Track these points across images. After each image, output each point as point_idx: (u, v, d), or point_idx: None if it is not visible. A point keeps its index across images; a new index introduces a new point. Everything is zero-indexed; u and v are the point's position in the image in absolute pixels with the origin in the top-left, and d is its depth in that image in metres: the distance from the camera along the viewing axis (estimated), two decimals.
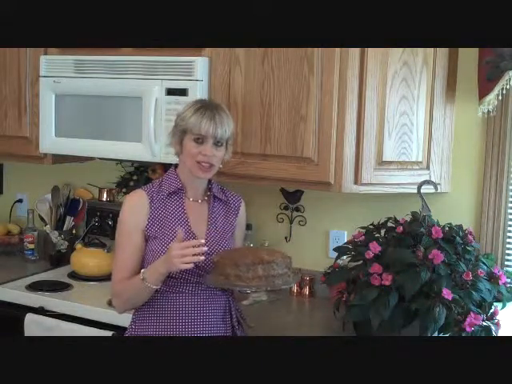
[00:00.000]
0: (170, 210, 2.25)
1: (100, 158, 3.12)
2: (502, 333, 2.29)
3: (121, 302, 2.26)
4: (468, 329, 2.15)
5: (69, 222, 3.46)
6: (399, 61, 2.55)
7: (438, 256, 2.21)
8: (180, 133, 2.22)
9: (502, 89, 2.46)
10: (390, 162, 2.59)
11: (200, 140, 2.18)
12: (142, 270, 2.16)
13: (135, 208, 2.24)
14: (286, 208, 3.07)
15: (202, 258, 2.07)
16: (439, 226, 2.35)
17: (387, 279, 2.20)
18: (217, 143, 2.20)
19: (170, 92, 2.69)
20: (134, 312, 2.30)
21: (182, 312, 2.21)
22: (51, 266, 3.31)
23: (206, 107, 2.21)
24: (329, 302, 2.58)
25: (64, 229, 3.44)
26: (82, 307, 2.76)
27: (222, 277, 2.06)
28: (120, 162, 3.20)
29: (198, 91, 2.65)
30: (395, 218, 2.47)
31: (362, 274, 2.28)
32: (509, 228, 2.70)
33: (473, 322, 2.15)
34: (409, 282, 2.18)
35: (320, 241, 3.02)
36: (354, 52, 2.48)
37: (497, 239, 2.68)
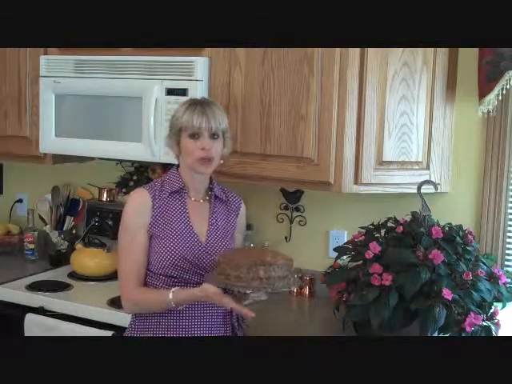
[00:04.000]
0: (171, 209, 2.25)
1: (100, 158, 3.12)
2: (502, 333, 2.29)
3: (137, 309, 2.25)
4: (468, 329, 2.15)
5: (69, 222, 3.47)
6: (399, 61, 2.55)
7: (437, 256, 2.20)
8: (175, 133, 2.23)
9: (502, 89, 2.46)
10: (390, 162, 2.59)
11: (196, 135, 2.19)
12: (173, 290, 2.13)
13: (139, 207, 2.23)
14: (286, 208, 3.07)
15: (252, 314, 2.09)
16: (439, 226, 2.35)
17: (387, 279, 2.20)
18: (213, 136, 2.20)
19: (170, 92, 2.69)
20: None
21: (183, 312, 2.21)
22: (51, 266, 3.30)
23: (196, 103, 2.22)
24: (329, 302, 2.58)
25: (64, 229, 3.44)
26: (82, 307, 2.76)
27: (222, 276, 2.06)
28: (120, 161, 3.20)
29: (198, 91, 2.65)
30: (395, 218, 2.47)
31: (362, 273, 2.28)
32: (509, 228, 2.70)
33: (473, 322, 2.15)
34: (409, 282, 2.18)
35: (320, 241, 3.02)
36: (354, 52, 2.48)
37: (497, 239, 2.68)
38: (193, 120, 2.18)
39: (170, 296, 2.13)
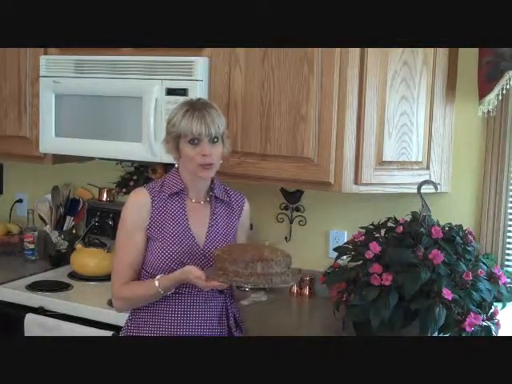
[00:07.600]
0: (170, 211, 2.24)
1: (100, 158, 3.12)
2: (502, 333, 2.29)
3: (127, 304, 2.27)
4: (468, 329, 2.15)
5: (69, 222, 3.47)
6: (399, 61, 2.55)
7: (437, 256, 2.21)
8: (174, 139, 2.22)
9: (502, 89, 2.46)
10: (390, 162, 2.59)
11: (196, 141, 2.18)
12: (157, 278, 2.16)
13: (137, 207, 2.23)
14: (286, 208, 3.07)
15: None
16: (439, 226, 2.35)
17: (387, 279, 2.20)
18: (212, 140, 2.19)
19: (170, 92, 2.69)
20: (131, 311, 2.31)
21: (178, 312, 2.21)
22: (51, 266, 3.30)
23: (193, 108, 2.19)
24: (329, 302, 2.58)
25: (64, 229, 3.44)
26: (82, 307, 2.76)
27: (220, 271, 2.06)
28: (120, 162, 3.19)
29: (198, 91, 2.65)
30: (395, 217, 2.47)
31: (362, 273, 2.28)
32: (509, 228, 2.70)
33: (473, 322, 2.15)
34: (409, 282, 2.18)
35: (320, 241, 3.02)
36: (354, 52, 2.48)
37: (497, 239, 2.68)
38: (192, 128, 2.16)
39: (157, 284, 2.15)
